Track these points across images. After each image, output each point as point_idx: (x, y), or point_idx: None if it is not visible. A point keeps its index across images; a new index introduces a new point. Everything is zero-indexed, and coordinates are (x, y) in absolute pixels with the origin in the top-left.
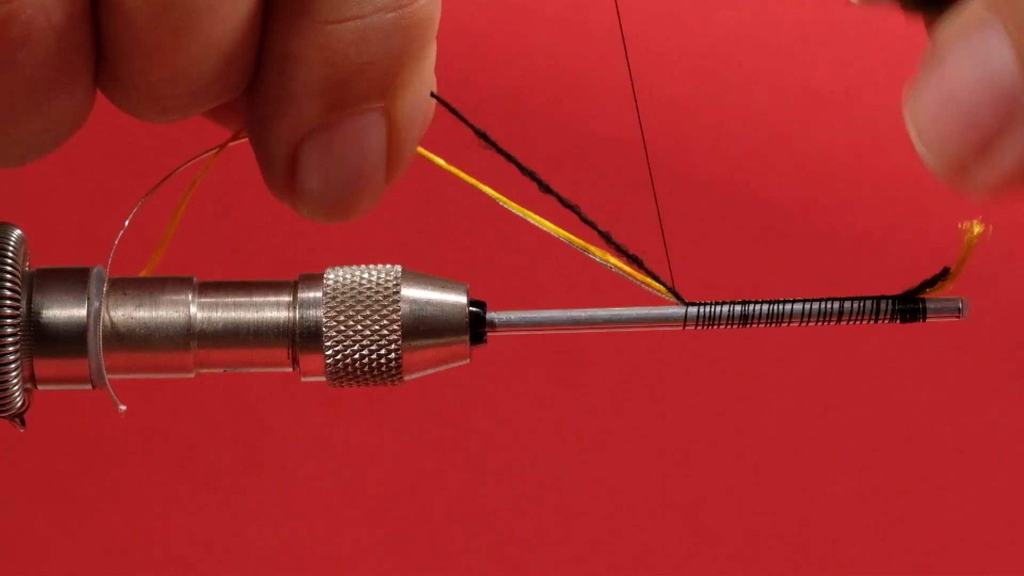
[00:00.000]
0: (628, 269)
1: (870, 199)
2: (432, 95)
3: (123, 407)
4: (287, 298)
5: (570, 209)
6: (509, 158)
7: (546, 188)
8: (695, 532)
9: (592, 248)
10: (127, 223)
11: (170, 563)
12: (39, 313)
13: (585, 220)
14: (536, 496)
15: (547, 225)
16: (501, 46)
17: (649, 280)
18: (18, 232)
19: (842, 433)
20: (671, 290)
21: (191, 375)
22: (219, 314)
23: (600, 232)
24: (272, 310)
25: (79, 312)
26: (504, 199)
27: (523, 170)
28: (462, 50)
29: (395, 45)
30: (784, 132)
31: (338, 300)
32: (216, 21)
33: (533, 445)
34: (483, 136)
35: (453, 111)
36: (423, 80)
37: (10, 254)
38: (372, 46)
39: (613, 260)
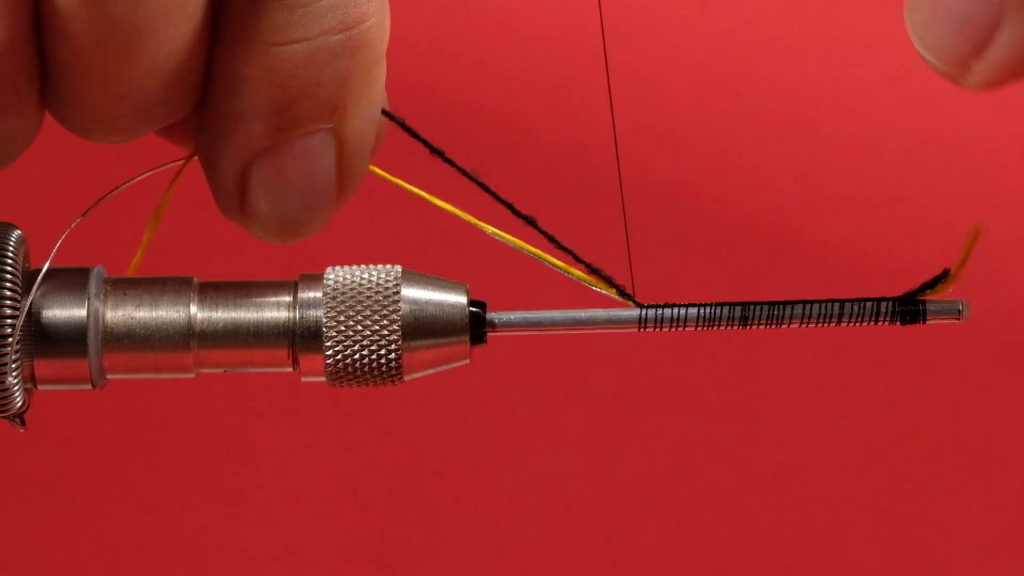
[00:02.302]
0: (590, 278)
1: (870, 200)
2: (384, 113)
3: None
4: (287, 298)
5: (532, 225)
6: (466, 174)
7: (512, 208)
8: (695, 532)
9: (558, 261)
10: (66, 234)
11: (170, 563)
12: (39, 313)
13: (549, 237)
14: (536, 496)
15: (516, 241)
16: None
17: (608, 287)
18: (18, 232)
19: (842, 435)
20: (630, 297)
21: (191, 375)
22: (219, 314)
23: (565, 249)
24: (272, 310)
25: (79, 312)
26: (468, 216)
27: (481, 186)
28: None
29: (343, 66)
30: (784, 132)
31: (338, 300)
32: (161, 42)
33: (533, 445)
34: (438, 153)
35: (406, 128)
36: (373, 100)
37: (10, 254)
38: (319, 67)
39: (576, 272)
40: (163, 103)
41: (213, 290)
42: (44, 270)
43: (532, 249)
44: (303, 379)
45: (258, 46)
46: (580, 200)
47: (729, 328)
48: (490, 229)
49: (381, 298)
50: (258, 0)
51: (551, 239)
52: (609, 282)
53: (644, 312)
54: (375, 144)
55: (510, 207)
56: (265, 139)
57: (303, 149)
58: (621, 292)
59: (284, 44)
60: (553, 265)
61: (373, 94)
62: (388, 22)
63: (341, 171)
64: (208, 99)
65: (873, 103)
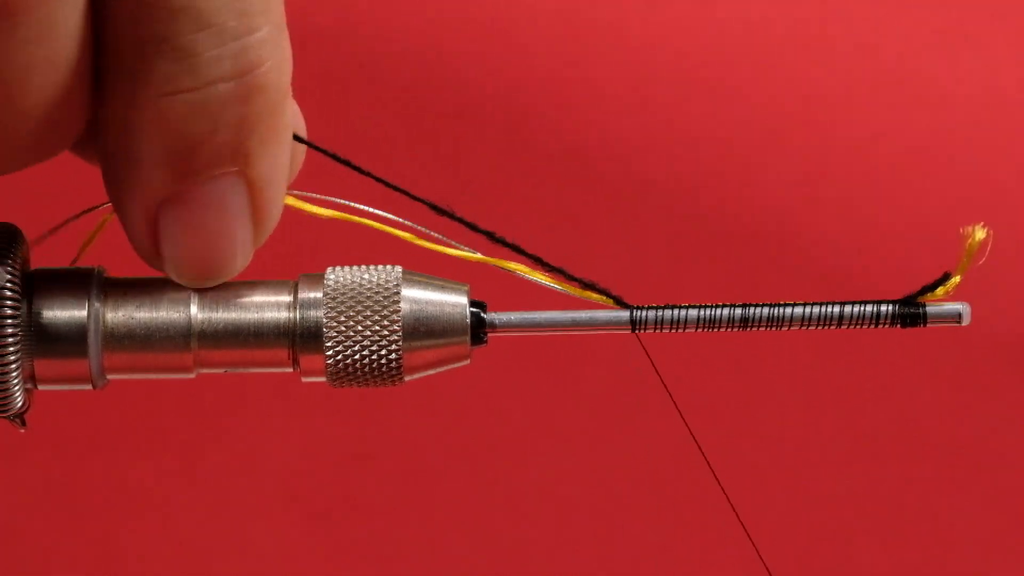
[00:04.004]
0: (586, 293)
1: (871, 202)
2: (296, 138)
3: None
4: (287, 298)
5: (519, 252)
6: (436, 208)
7: (492, 236)
8: (695, 532)
9: (551, 281)
10: (53, 231)
11: (169, 563)
12: (40, 313)
13: (536, 259)
14: (536, 496)
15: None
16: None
17: (605, 299)
18: (19, 233)
19: (842, 435)
20: (618, 300)
21: (191, 375)
22: (219, 314)
23: (555, 269)
24: (272, 310)
25: (80, 313)
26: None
27: (414, 198)
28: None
29: (238, 113)
30: (784, 134)
31: (339, 300)
32: (28, 91)
33: (533, 445)
34: (366, 173)
35: (325, 152)
36: (279, 141)
37: (11, 255)
38: (213, 115)
39: (572, 288)
40: (35, 146)
41: (213, 290)
42: (45, 271)
43: (524, 269)
44: (303, 379)
45: (147, 96)
46: (582, 201)
47: (729, 330)
48: (492, 260)
49: (382, 298)
50: (144, 51)
51: (539, 261)
52: (606, 294)
53: (644, 314)
54: (287, 181)
55: (490, 235)
56: (167, 186)
57: (211, 194)
58: (619, 302)
59: (174, 94)
60: (548, 285)
61: (278, 135)
62: (288, 64)
63: (255, 212)
64: (106, 145)
65: (874, 104)
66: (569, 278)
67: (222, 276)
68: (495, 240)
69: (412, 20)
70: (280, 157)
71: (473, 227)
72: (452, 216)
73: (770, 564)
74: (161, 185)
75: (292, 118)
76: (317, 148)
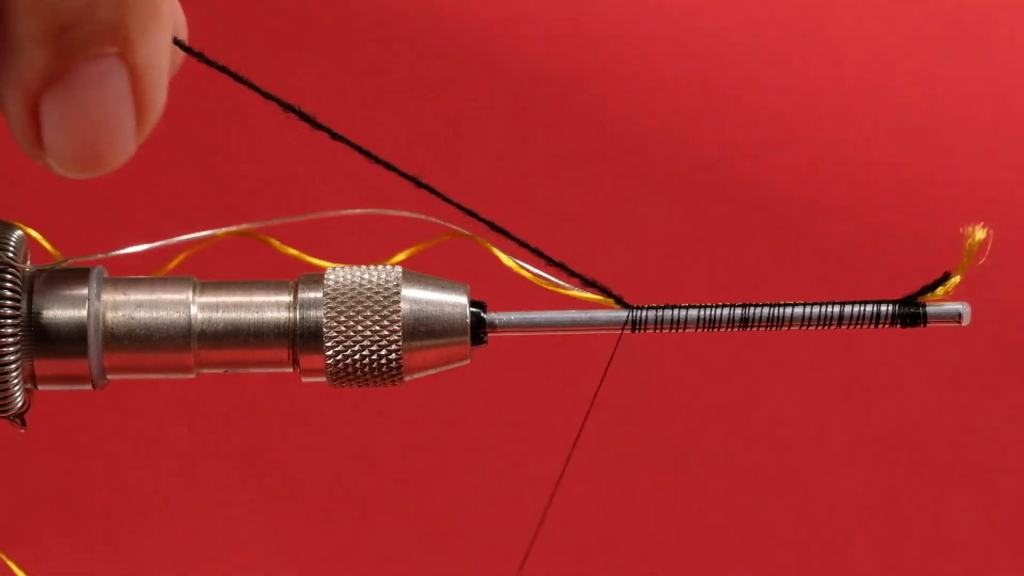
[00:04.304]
0: (587, 292)
1: (871, 202)
2: (176, 42)
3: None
4: (287, 298)
5: (524, 246)
6: (409, 178)
7: (494, 226)
8: (695, 532)
9: (550, 284)
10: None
11: (169, 563)
12: (40, 313)
13: (538, 253)
14: (536, 496)
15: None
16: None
17: (605, 298)
18: (18, 232)
19: (842, 435)
20: (629, 306)
21: (191, 375)
22: (219, 315)
23: (558, 264)
24: (272, 310)
25: (79, 312)
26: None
27: (359, 150)
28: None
29: None
30: (785, 133)
31: (339, 300)
32: None
33: (533, 445)
34: (355, 145)
35: (203, 59)
36: (159, 24)
37: (10, 254)
38: None
39: (576, 292)
40: None
41: (213, 290)
42: (45, 270)
43: (527, 274)
44: (303, 379)
45: None
46: (582, 200)
47: (729, 330)
48: (503, 256)
49: (381, 298)
50: None
51: (540, 255)
52: (606, 293)
53: (644, 314)
54: (170, 70)
55: (492, 225)
56: (48, 67)
57: (92, 76)
58: (619, 301)
59: None
60: (550, 283)
61: (158, 19)
62: None
63: (137, 98)
64: None
65: (874, 103)
66: (570, 274)
67: (104, 166)
68: (496, 230)
69: (412, 10)
70: (160, 44)
71: (476, 216)
72: (458, 206)
73: (770, 564)
74: (41, 65)
75: (173, 12)
76: (192, 52)
